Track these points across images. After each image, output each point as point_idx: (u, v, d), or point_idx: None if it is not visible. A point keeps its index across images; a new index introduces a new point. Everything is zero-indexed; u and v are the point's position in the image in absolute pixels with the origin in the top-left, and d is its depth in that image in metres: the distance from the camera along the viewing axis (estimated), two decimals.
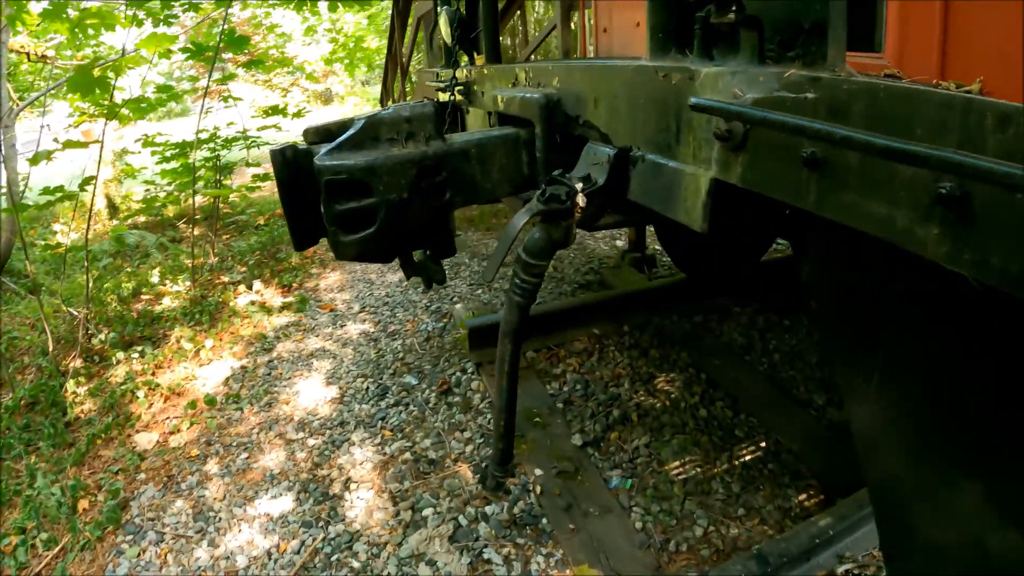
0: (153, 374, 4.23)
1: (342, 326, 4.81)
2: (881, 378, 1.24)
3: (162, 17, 4.54)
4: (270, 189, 7.64)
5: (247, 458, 3.42)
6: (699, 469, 3.30)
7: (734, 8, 1.26)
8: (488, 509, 3.02)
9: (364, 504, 3.07)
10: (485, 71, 3.06)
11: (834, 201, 0.99)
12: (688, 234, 1.60)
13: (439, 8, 3.38)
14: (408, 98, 7.04)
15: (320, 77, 18.41)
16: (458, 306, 4.96)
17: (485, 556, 2.77)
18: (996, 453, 1.06)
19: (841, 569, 2.71)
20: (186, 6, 4.78)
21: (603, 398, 3.79)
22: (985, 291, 0.81)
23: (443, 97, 3.80)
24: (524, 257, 2.01)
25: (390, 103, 9.66)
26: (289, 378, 4.14)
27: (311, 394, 3.95)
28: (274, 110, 5.39)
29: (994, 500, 1.06)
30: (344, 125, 2.35)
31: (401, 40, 6.42)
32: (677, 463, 3.35)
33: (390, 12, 6.53)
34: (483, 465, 3.11)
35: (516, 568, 2.72)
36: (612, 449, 3.44)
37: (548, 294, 5.13)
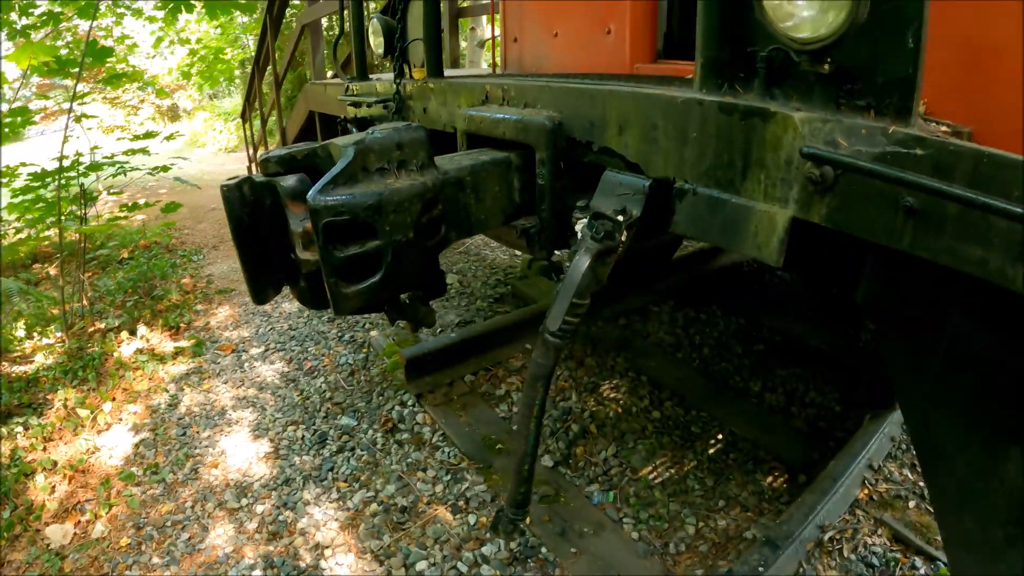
0: (44, 449, 3.51)
1: (252, 368, 4.31)
2: (937, 377, 1.45)
3: (19, 29, 3.77)
4: (134, 218, 6.69)
5: (189, 539, 2.93)
6: (671, 470, 3.36)
7: (829, 59, 1.30)
8: (485, 550, 2.84)
9: (346, 571, 2.75)
10: (431, 85, 2.87)
11: (928, 243, 1.15)
12: None
13: (369, 18, 3.13)
14: (285, 113, 6.48)
15: (169, 92, 16.58)
16: (374, 334, 4.66)
17: None
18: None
19: (826, 537, 2.92)
20: (45, 17, 4.01)
21: (556, 414, 3.74)
22: None
23: (353, 112, 3.53)
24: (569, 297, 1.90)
25: (256, 116, 8.91)
26: (209, 436, 3.63)
27: (240, 452, 3.49)
28: (147, 135, 4.72)
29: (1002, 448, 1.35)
30: (311, 154, 2.07)
31: (273, 50, 5.90)
32: (649, 468, 3.38)
33: (263, 19, 5.98)
34: (481, 509, 2.94)
35: None
36: (582, 464, 3.40)
37: (464, 311, 4.98)
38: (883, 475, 3.39)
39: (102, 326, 4.71)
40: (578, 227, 1.95)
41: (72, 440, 3.60)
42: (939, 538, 3.05)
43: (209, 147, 11.04)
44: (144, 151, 4.71)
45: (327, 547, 2.87)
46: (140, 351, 4.46)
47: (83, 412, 3.73)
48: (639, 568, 2.79)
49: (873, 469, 3.36)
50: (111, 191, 4.93)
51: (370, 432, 3.61)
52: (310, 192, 1.78)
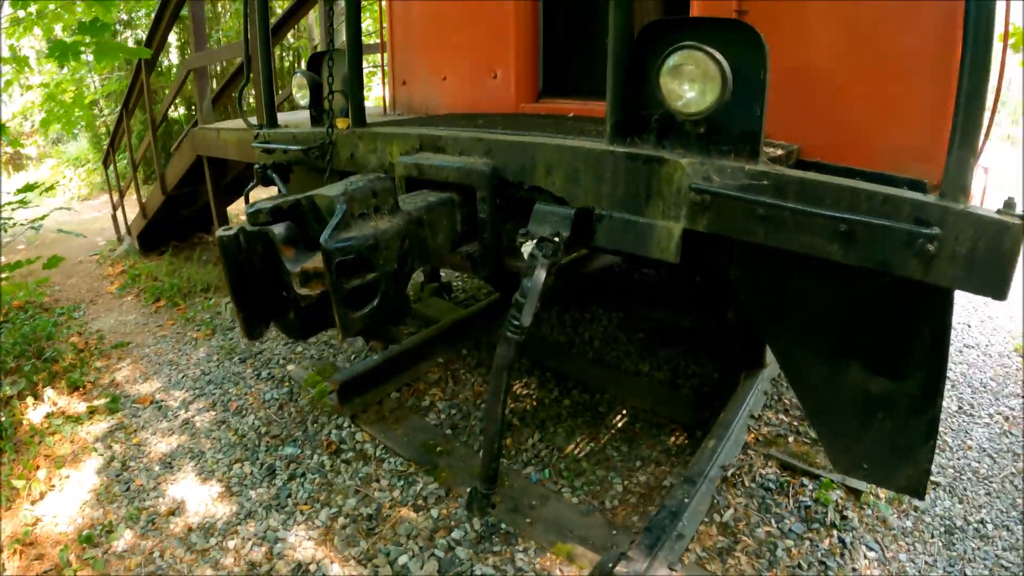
0: None
1: (176, 417, 4.31)
2: (790, 321, 2.20)
3: None
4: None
5: None
6: (591, 444, 3.95)
7: (704, 123, 2.07)
8: (455, 535, 3.23)
9: None
10: (359, 134, 3.23)
11: (774, 236, 1.90)
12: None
13: (296, 71, 3.43)
14: (164, 155, 6.32)
15: (22, 138, 14.64)
16: (291, 368, 4.83)
17: (478, 573, 3.02)
18: (858, 347, 2.09)
19: (728, 473, 3.62)
20: None
21: (480, 415, 4.19)
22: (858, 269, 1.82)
23: (267, 158, 3.78)
24: (521, 300, 2.39)
25: (115, 161, 8.46)
26: (155, 487, 3.67)
27: (193, 496, 3.59)
28: (27, 187, 4.50)
29: (864, 369, 2.09)
30: (295, 205, 2.41)
31: (148, 92, 5.77)
32: (572, 445, 3.94)
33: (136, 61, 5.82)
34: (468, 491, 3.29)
35: (509, 570, 3.03)
36: (514, 452, 3.88)
37: None
38: (763, 421, 4.18)
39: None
40: (525, 248, 2.44)
41: (8, 516, 3.51)
42: (819, 460, 3.84)
43: (60, 195, 10.18)
44: (23, 203, 4.54)
45: (310, 563, 3.11)
46: (51, 415, 4.31)
47: (17, 483, 3.64)
48: (586, 524, 3.32)
49: (754, 417, 4.14)
50: None
51: (315, 456, 3.85)
52: (323, 237, 2.14)
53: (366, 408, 4.21)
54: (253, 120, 4.07)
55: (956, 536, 3.39)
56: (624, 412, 4.24)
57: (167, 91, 9.99)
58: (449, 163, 2.70)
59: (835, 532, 3.27)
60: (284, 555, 3.18)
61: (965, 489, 3.77)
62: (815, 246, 1.84)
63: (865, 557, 3.17)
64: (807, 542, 3.21)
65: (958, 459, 4.05)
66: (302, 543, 3.24)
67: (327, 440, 3.97)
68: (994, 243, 1.63)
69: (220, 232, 2.26)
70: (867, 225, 1.76)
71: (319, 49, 6.45)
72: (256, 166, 3.79)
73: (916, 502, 3.60)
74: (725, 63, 1.90)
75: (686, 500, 3.23)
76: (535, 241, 2.40)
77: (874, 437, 2.08)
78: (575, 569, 3.04)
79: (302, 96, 3.43)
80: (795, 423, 4.20)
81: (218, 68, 10.90)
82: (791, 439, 4.04)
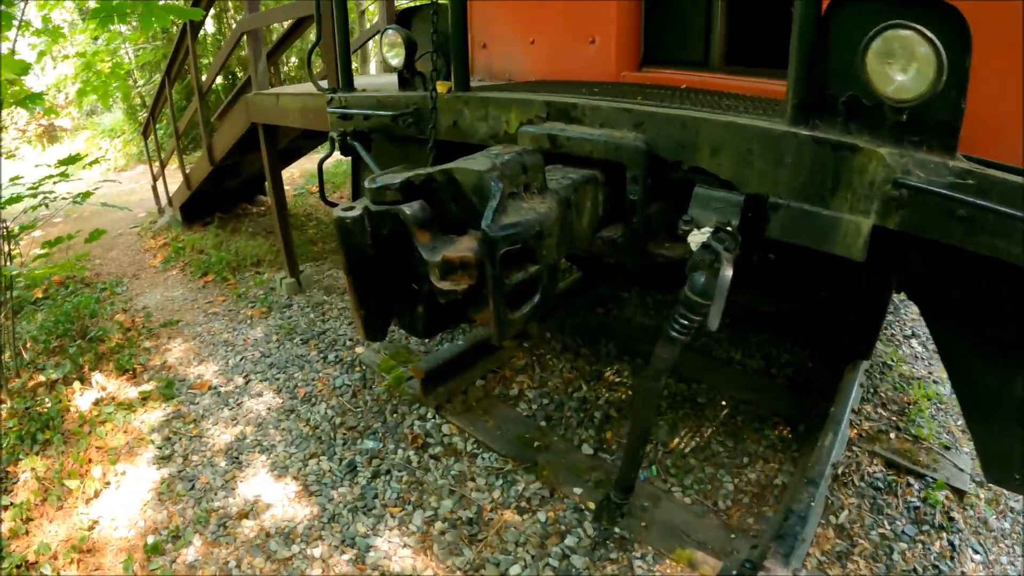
0: (28, 533, 2.97)
1: (239, 405, 3.89)
2: (968, 332, 1.95)
3: None
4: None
5: None
6: (695, 439, 3.52)
7: (906, 114, 1.73)
8: (568, 541, 2.83)
9: None
10: (465, 99, 2.74)
11: (972, 239, 1.63)
12: None
13: (386, 31, 2.91)
14: (210, 129, 5.82)
15: (59, 111, 14.00)
16: (360, 351, 4.39)
17: None
18: None
19: (838, 472, 3.30)
20: None
21: (574, 404, 3.75)
22: None
23: (342, 125, 3.29)
24: (693, 298, 1.99)
25: (155, 131, 7.93)
26: (223, 486, 3.25)
27: (267, 496, 3.17)
28: (70, 159, 4.00)
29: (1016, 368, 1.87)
30: (428, 179, 1.92)
31: (194, 58, 5.24)
32: (676, 440, 3.51)
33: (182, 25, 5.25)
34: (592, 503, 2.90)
35: None
36: (615, 447, 3.46)
37: None
38: (863, 415, 3.76)
39: (43, 379, 4.06)
40: (694, 238, 2.02)
41: (61, 517, 3.10)
42: (922, 459, 3.47)
43: (97, 168, 9.62)
44: (64, 176, 4.05)
45: (411, 574, 2.72)
46: (100, 401, 3.89)
47: (70, 483, 3.22)
48: (702, 526, 2.94)
49: (855, 412, 3.72)
50: (23, 226, 4.16)
51: (400, 451, 3.42)
52: (485, 223, 1.68)
53: (451, 398, 3.77)
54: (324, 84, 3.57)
55: None
56: (723, 404, 3.80)
57: (204, 60, 9.42)
58: (594, 136, 2.24)
59: (944, 534, 3.05)
60: (379, 565, 2.77)
61: None
62: (1012, 252, 1.63)
63: (971, 560, 2.97)
64: (919, 545, 2.99)
65: None
66: (397, 551, 2.83)
67: (411, 433, 3.54)
68: None
69: (340, 213, 1.79)
70: None
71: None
72: (333, 134, 3.30)
73: (1012, 503, 3.33)
74: (943, 48, 1.63)
75: (812, 504, 2.88)
76: (711, 231, 1.98)
77: None
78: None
79: (394, 55, 2.92)
80: (894, 418, 3.80)
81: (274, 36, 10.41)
82: (892, 435, 3.65)
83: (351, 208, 1.79)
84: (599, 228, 2.37)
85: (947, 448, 3.61)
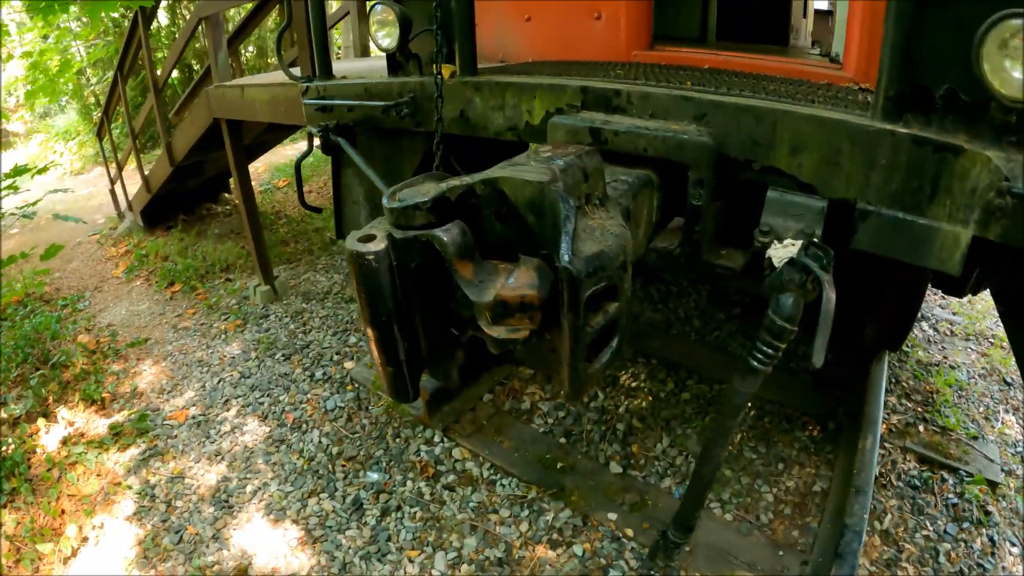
0: None
1: (222, 436, 3.42)
2: None
3: None
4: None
5: None
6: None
7: (1015, 115, 1.49)
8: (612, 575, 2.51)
9: None
10: (475, 84, 2.31)
11: None
12: None
13: (375, 7, 2.45)
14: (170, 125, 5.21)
15: (9, 114, 12.62)
16: (350, 365, 3.95)
17: None
18: None
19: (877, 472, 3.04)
20: None
21: (594, 416, 3.41)
22: None
23: (322, 119, 2.84)
24: (780, 323, 1.67)
25: (110, 131, 7.17)
26: (215, 536, 2.81)
27: (266, 545, 2.74)
28: (15, 171, 3.41)
29: None
30: (467, 193, 1.48)
31: (148, 50, 4.60)
32: None
33: (132, 15, 4.59)
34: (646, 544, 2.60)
35: None
36: (643, 462, 3.13)
37: None
38: (889, 408, 3.51)
39: (4, 415, 3.53)
40: (776, 253, 1.69)
41: None
42: (952, 451, 3.26)
43: (52, 172, 8.67)
44: (13, 188, 3.49)
45: None
46: (68, 440, 3.38)
47: (43, 548, 2.74)
48: (748, 546, 2.69)
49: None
50: None
51: (409, 483, 3.03)
52: (564, 256, 1.28)
53: (459, 417, 3.38)
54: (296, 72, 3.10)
55: None
56: (749, 406, 3.50)
57: (159, 55, 8.62)
58: (651, 130, 1.85)
59: (983, 530, 2.90)
60: None
61: None
62: None
63: (1010, 554, 2.81)
64: (962, 544, 2.83)
65: None
66: None
67: (419, 461, 3.14)
68: None
69: (357, 246, 1.35)
70: None
71: None
72: (312, 129, 2.84)
73: None
74: None
75: (864, 516, 2.64)
76: (799, 245, 1.64)
77: None
78: None
79: (385, 35, 2.47)
80: (919, 410, 3.57)
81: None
82: (921, 428, 3.41)
83: (370, 237, 1.36)
84: (652, 239, 2.00)
85: (975, 438, 3.39)
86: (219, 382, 3.89)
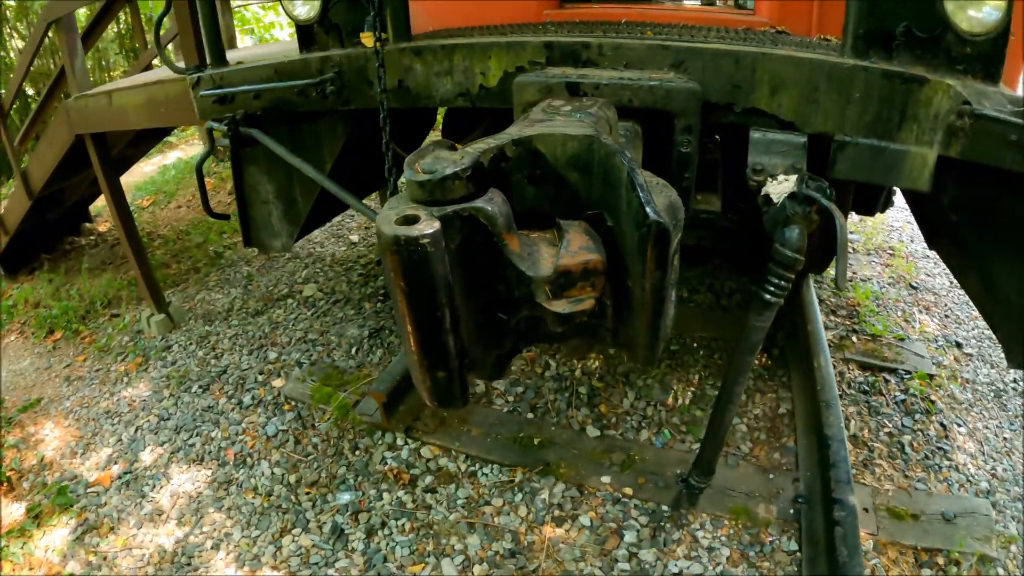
0: None
1: (159, 490, 2.86)
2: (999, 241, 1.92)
3: None
4: None
5: None
6: (689, 389, 3.26)
7: (970, 47, 1.66)
8: (628, 538, 2.47)
9: None
10: (416, 48, 2.04)
11: (1020, 160, 1.55)
12: None
13: None
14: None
15: None
16: (279, 383, 3.52)
17: (673, 569, 2.35)
18: None
19: None
20: None
21: (553, 386, 3.28)
22: None
23: (222, 112, 2.44)
24: (790, 254, 1.71)
25: None
26: None
27: None
28: None
29: None
30: (497, 156, 1.27)
31: None
32: (670, 397, 3.20)
33: None
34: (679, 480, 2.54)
35: (704, 557, 2.40)
36: (615, 420, 3.07)
37: (362, 318, 4.04)
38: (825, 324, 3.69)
39: None
40: (774, 188, 1.74)
41: None
42: (887, 354, 3.48)
43: None
44: None
45: None
46: None
47: None
48: (741, 478, 2.73)
49: None
50: None
51: (385, 495, 2.74)
52: (650, 211, 1.13)
53: (418, 415, 3.12)
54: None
55: (1004, 397, 3.39)
56: (696, 347, 3.53)
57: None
58: (636, 80, 1.75)
59: (933, 418, 3.15)
60: None
61: (991, 354, 3.63)
62: None
63: (959, 434, 3.07)
64: (920, 433, 3.05)
65: (971, 328, 3.87)
66: None
67: (389, 470, 2.86)
68: None
69: (396, 230, 1.09)
70: None
71: None
72: (214, 125, 2.44)
73: (965, 375, 3.54)
74: None
75: (841, 424, 2.79)
76: (794, 180, 1.70)
77: None
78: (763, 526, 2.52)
79: (303, 3, 2.13)
80: (848, 323, 3.80)
81: None
82: (855, 339, 3.64)
83: (412, 219, 1.11)
84: None
85: (902, 340, 3.64)
86: (136, 431, 3.34)
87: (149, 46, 4.90)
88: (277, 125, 2.52)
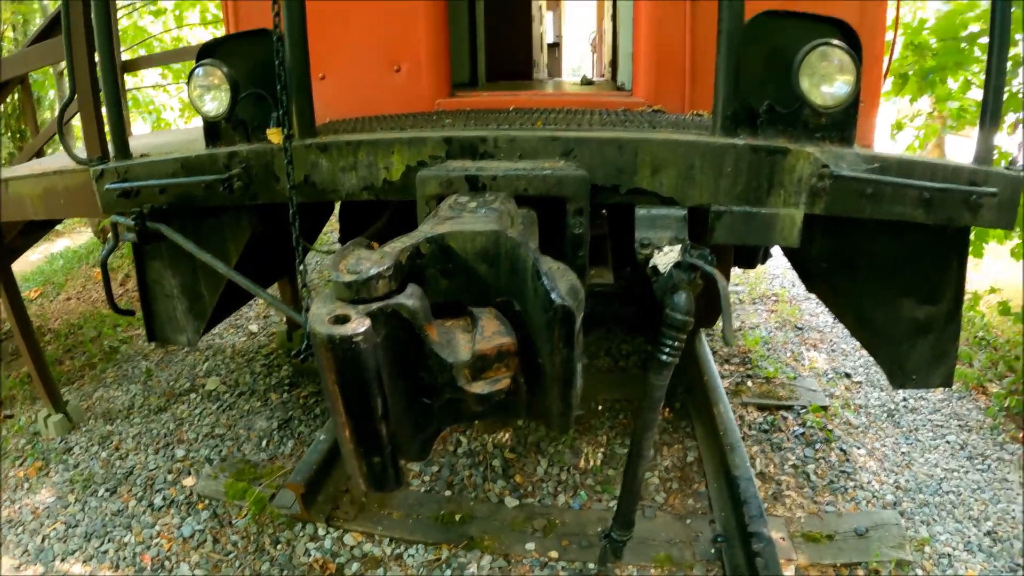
0: None
1: None
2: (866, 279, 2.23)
3: None
4: None
5: None
6: (599, 450, 3.41)
7: (825, 117, 1.92)
8: None
9: None
10: (322, 144, 2.13)
11: (877, 209, 1.91)
12: None
13: (196, 70, 2.13)
14: None
15: None
16: (191, 482, 3.32)
17: None
18: (910, 286, 2.22)
19: None
20: None
21: (466, 461, 3.32)
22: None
23: (124, 208, 2.41)
24: (680, 318, 1.87)
25: None
26: None
27: None
28: None
29: (914, 301, 2.24)
30: (414, 254, 1.37)
31: None
32: (582, 459, 3.34)
33: None
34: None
35: None
36: (531, 488, 3.15)
37: (270, 410, 3.93)
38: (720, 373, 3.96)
39: None
40: (661, 260, 1.90)
41: None
42: (782, 393, 3.80)
43: None
44: None
45: None
46: None
47: None
48: (658, 527, 2.86)
49: None
50: None
51: None
52: (555, 296, 1.26)
53: (336, 503, 3.05)
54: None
55: (896, 416, 3.78)
56: (601, 408, 3.70)
57: None
58: (529, 171, 1.89)
59: (833, 445, 3.45)
60: None
61: (878, 380, 4.02)
62: (905, 213, 1.94)
63: (859, 455, 3.37)
64: (822, 461, 3.33)
65: (857, 359, 4.29)
66: None
67: (315, 561, 2.76)
68: (1013, 192, 2.01)
69: (334, 331, 1.13)
70: (944, 191, 1.93)
71: None
72: (119, 219, 2.41)
73: (857, 401, 3.91)
74: (857, 59, 1.84)
75: (747, 464, 3.01)
76: (678, 250, 1.87)
77: (920, 352, 2.29)
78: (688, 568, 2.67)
79: (211, 99, 2.17)
80: (742, 369, 4.10)
81: None
82: (750, 383, 3.93)
83: (343, 318, 1.17)
84: None
85: (794, 378, 3.96)
86: (43, 540, 3.03)
87: (41, 128, 4.74)
88: (181, 218, 2.50)
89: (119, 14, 7.05)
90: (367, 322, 1.15)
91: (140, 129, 10.31)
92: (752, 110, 1.95)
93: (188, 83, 2.18)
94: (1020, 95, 4.05)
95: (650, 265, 1.90)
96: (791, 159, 1.88)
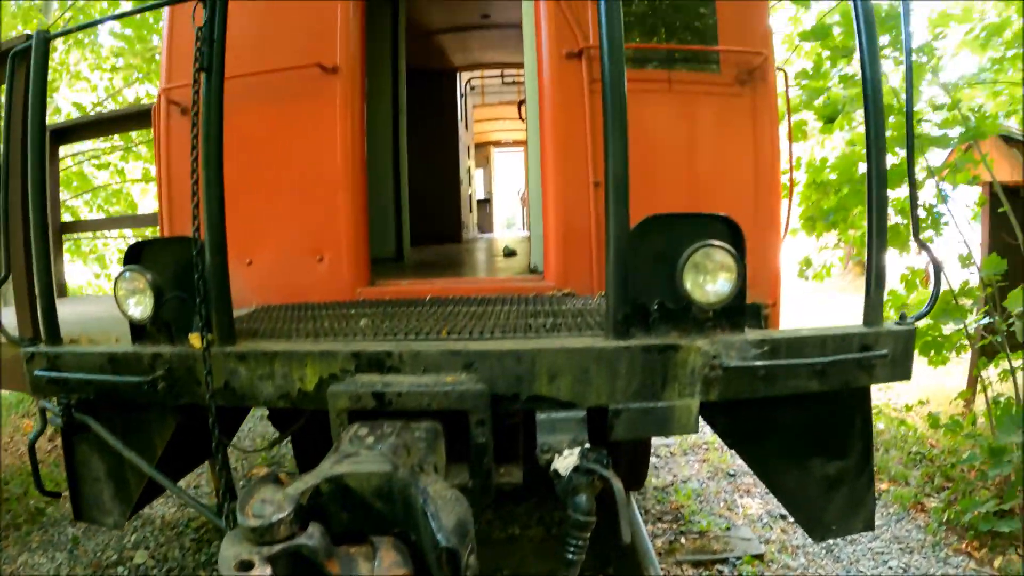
0: None
1: None
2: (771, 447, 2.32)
3: None
4: None
5: None
6: None
7: (712, 312, 2.05)
8: None
9: None
10: (240, 352, 2.18)
11: (771, 387, 2.04)
12: None
13: (123, 274, 2.21)
14: None
15: None
16: None
17: None
18: (817, 445, 2.32)
19: None
20: None
21: None
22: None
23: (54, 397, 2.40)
24: (582, 519, 1.93)
25: None
26: None
27: None
28: None
29: (823, 459, 2.32)
30: (315, 494, 1.46)
31: None
32: None
33: None
34: None
35: None
36: None
37: None
38: (651, 536, 3.95)
39: None
40: (562, 464, 1.97)
41: None
42: (716, 546, 3.84)
43: None
44: None
45: None
46: None
47: None
48: None
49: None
50: None
51: None
52: (440, 538, 1.36)
53: None
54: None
55: (835, 551, 3.83)
56: None
57: None
58: (433, 387, 1.98)
59: None
60: None
61: None
62: (799, 386, 2.06)
63: None
64: None
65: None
66: None
67: None
68: (905, 346, 2.17)
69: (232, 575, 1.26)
70: (836, 361, 2.07)
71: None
72: (47, 405, 2.39)
73: (794, 542, 3.96)
74: (739, 257, 1.98)
75: None
76: (577, 453, 1.95)
77: (836, 505, 2.36)
78: None
79: (136, 303, 2.25)
80: (674, 526, 4.12)
81: None
82: (683, 540, 3.93)
83: (247, 564, 1.26)
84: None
85: (728, 529, 3.98)
86: None
87: None
88: (109, 409, 2.47)
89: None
90: (268, 569, 1.22)
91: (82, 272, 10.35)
92: (644, 308, 2.08)
93: (114, 286, 2.27)
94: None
95: (551, 469, 1.98)
96: (682, 354, 2.00)
